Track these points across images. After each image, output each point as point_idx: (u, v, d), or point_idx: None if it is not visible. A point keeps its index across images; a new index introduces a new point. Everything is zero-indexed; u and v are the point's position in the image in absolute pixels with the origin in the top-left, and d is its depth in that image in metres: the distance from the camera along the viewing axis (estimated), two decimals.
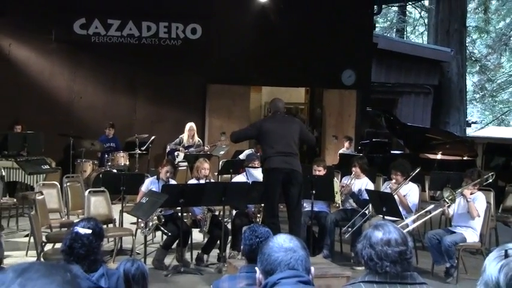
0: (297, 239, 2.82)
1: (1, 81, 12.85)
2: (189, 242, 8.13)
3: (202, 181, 8.29)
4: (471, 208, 7.62)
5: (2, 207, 9.00)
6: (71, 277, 1.09)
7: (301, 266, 2.67)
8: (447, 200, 7.80)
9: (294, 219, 7.75)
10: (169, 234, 7.81)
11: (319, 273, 5.54)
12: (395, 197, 7.93)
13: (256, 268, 2.81)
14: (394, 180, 8.39)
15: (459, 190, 7.81)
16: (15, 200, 10.07)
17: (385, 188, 8.60)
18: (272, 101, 8.26)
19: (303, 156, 13.65)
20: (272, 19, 13.92)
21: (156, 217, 7.62)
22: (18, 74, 13.01)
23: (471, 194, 7.73)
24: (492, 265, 1.90)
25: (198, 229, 8.26)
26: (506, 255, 1.89)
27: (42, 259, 6.85)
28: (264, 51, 14.24)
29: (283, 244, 2.72)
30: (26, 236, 8.49)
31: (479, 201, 7.74)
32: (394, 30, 28.83)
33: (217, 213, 8.48)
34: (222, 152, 11.92)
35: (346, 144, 13.81)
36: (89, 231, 3.89)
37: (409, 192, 8.31)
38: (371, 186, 8.84)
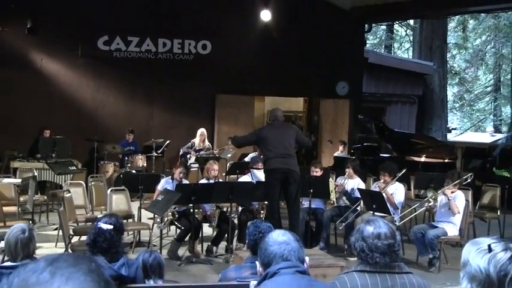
0: (290, 233, 2.82)
1: (34, 91, 12.89)
2: (200, 235, 8.12)
3: (211, 181, 8.28)
4: (452, 205, 7.61)
5: (34, 203, 9.00)
6: (95, 266, 1.09)
7: (294, 256, 2.67)
8: (430, 199, 7.81)
9: (293, 214, 7.74)
10: (182, 228, 7.80)
11: (315, 264, 5.52)
12: (384, 195, 7.91)
13: (257, 262, 2.81)
14: (382, 180, 8.36)
15: (441, 189, 7.81)
16: (45, 197, 10.08)
17: (375, 187, 8.57)
18: (272, 111, 8.31)
19: (302, 159, 13.68)
20: (274, 36, 13.92)
21: (170, 213, 7.62)
22: (49, 85, 13.04)
23: (452, 193, 7.72)
24: (477, 259, 1.90)
25: (208, 224, 8.25)
26: (490, 250, 1.89)
27: (69, 250, 6.86)
28: (267, 64, 14.25)
29: (277, 239, 2.72)
30: (55, 229, 8.50)
31: (459, 199, 7.73)
32: (383, 46, 28.82)
33: (225, 209, 8.47)
34: (229, 155, 11.91)
35: (341, 148, 13.76)
36: (111, 226, 3.88)
37: (396, 191, 8.28)
38: (362, 185, 8.81)
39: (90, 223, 7.39)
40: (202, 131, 12.67)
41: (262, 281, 2.67)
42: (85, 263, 1.08)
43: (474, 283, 1.89)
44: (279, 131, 7.82)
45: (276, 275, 2.61)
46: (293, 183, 7.64)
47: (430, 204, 7.87)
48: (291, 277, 2.60)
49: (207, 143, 12.72)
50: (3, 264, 4.07)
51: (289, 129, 8.00)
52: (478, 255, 1.91)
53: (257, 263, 2.80)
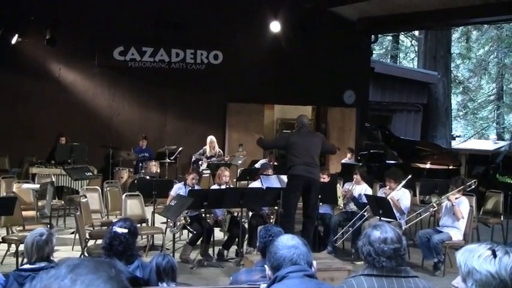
0: (298, 237, 2.81)
1: (52, 99, 12.98)
2: (212, 239, 8.11)
3: (223, 187, 8.28)
4: (456, 211, 7.57)
5: (52, 208, 9.04)
6: (115, 273, 1.09)
7: (303, 260, 2.67)
8: (435, 205, 7.77)
9: (310, 219, 7.90)
10: (195, 232, 7.81)
11: (323, 267, 5.51)
12: (390, 201, 7.88)
13: (265, 265, 2.81)
14: (388, 187, 8.33)
15: (446, 195, 7.77)
16: (63, 202, 10.12)
17: (381, 193, 8.54)
18: (298, 117, 8.31)
19: None
20: (283, 47, 13.93)
21: (183, 217, 7.63)
22: (67, 93, 13.13)
23: (456, 198, 7.67)
24: (485, 265, 1.89)
25: (219, 228, 8.25)
26: (495, 255, 1.88)
27: (85, 253, 6.88)
28: (276, 74, 14.26)
29: (286, 243, 2.72)
30: (72, 233, 8.53)
31: (463, 204, 7.69)
32: (389, 56, 28.76)
33: (235, 214, 8.47)
34: (240, 162, 11.93)
35: (349, 155, 13.72)
36: (126, 230, 3.89)
37: (402, 196, 8.24)
38: (369, 191, 8.78)
39: (106, 227, 7.40)
40: (211, 138, 12.70)
41: (271, 284, 2.67)
42: (105, 270, 1.08)
43: None
44: (306, 138, 7.91)
45: (285, 278, 2.61)
46: (314, 191, 7.81)
47: (434, 210, 7.84)
48: (299, 280, 2.60)
49: (217, 149, 12.74)
50: (22, 267, 4.10)
51: (315, 138, 8.10)
52: (484, 261, 1.90)
53: (266, 266, 2.80)
